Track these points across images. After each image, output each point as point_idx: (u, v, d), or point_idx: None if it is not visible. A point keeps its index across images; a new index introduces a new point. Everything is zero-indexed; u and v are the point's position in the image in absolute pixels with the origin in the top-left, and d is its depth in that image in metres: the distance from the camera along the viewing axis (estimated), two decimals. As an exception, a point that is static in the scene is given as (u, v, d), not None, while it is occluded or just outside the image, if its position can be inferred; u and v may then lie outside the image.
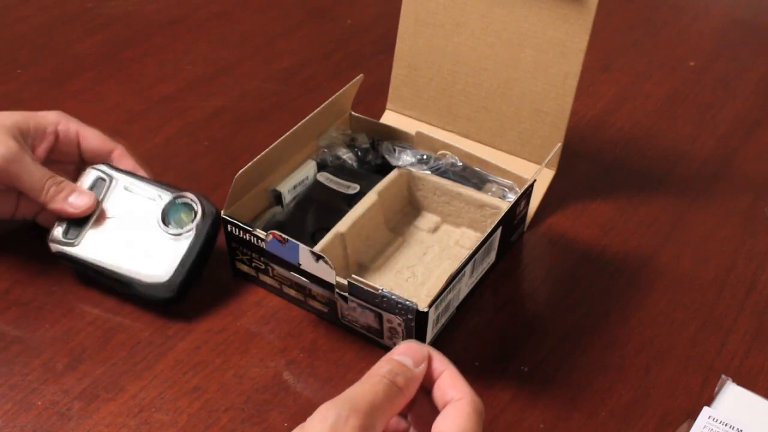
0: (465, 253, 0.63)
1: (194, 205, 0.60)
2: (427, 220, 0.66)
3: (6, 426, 0.52)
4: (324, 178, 0.66)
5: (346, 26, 0.96)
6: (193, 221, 0.60)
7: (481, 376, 0.57)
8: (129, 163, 0.64)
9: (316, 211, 0.64)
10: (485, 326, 0.61)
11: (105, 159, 0.64)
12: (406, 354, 0.45)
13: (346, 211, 0.62)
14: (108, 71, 0.86)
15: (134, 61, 0.87)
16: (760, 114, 0.84)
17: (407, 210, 0.67)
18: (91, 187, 0.62)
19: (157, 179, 0.63)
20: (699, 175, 0.75)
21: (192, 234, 0.60)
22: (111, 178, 0.62)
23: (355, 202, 0.63)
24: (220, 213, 0.60)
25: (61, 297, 0.61)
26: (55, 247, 0.60)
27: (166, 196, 0.61)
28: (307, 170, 0.66)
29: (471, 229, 0.65)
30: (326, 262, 0.53)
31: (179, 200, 0.61)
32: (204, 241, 0.60)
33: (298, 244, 0.54)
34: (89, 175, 0.62)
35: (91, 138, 0.64)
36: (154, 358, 0.57)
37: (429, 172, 0.66)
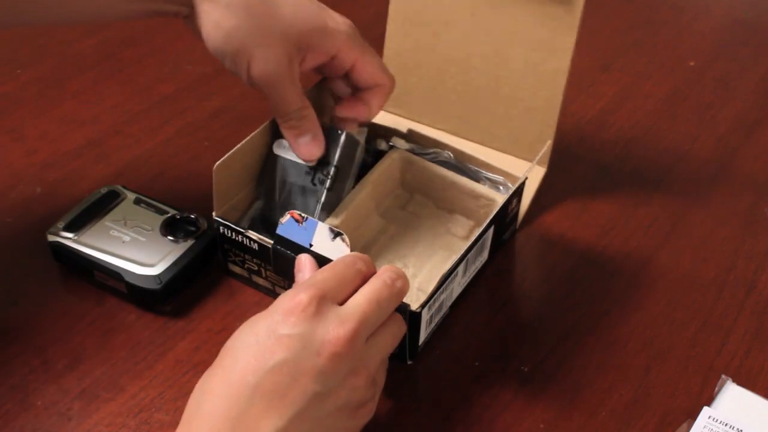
0: (457, 242, 0.63)
1: (199, 221, 0.62)
2: (418, 204, 0.66)
3: (6, 426, 0.52)
4: (281, 148, 0.61)
5: (346, 26, 0.96)
6: (194, 235, 0.61)
7: (481, 376, 0.57)
8: (375, 103, 0.61)
9: (289, 196, 0.61)
10: (485, 326, 0.61)
11: (368, 91, 0.61)
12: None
13: (316, 188, 0.59)
14: (108, 71, 0.86)
15: (134, 61, 0.87)
16: (760, 114, 0.84)
17: (398, 192, 0.67)
18: (96, 202, 0.63)
19: (169, 203, 0.64)
20: (699, 175, 0.75)
21: (191, 243, 0.61)
22: (123, 194, 0.64)
23: (323, 176, 0.60)
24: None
25: (61, 297, 0.61)
26: (52, 238, 0.60)
27: (172, 212, 0.63)
28: None
29: (464, 217, 0.65)
30: (343, 240, 0.53)
31: (184, 215, 0.63)
32: (202, 251, 0.61)
33: (316, 222, 0.54)
34: (95, 193, 0.64)
35: (364, 71, 0.60)
36: (154, 358, 0.57)
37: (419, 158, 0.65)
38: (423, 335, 0.56)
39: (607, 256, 0.66)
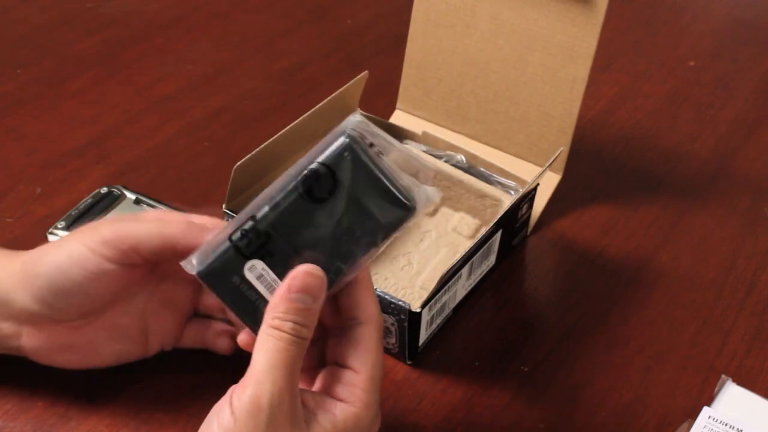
0: (462, 241, 0.62)
1: None
2: None
3: (6, 426, 0.52)
4: None
5: (346, 26, 0.96)
6: None
7: (481, 376, 0.57)
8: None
9: None
10: (485, 326, 0.61)
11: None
12: (306, 290, 0.39)
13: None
14: (108, 71, 0.86)
15: (134, 61, 0.87)
16: (760, 114, 0.84)
17: None
18: (96, 202, 0.63)
19: (169, 203, 0.64)
20: (699, 175, 0.75)
21: None
22: (123, 194, 0.64)
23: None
24: None
25: (61, 297, 0.61)
26: (52, 238, 0.61)
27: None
28: None
29: (470, 215, 0.64)
30: None
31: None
32: None
33: None
34: (96, 193, 0.64)
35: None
36: (154, 358, 0.57)
37: (431, 156, 0.65)
38: (423, 336, 0.56)
39: (607, 256, 0.66)
